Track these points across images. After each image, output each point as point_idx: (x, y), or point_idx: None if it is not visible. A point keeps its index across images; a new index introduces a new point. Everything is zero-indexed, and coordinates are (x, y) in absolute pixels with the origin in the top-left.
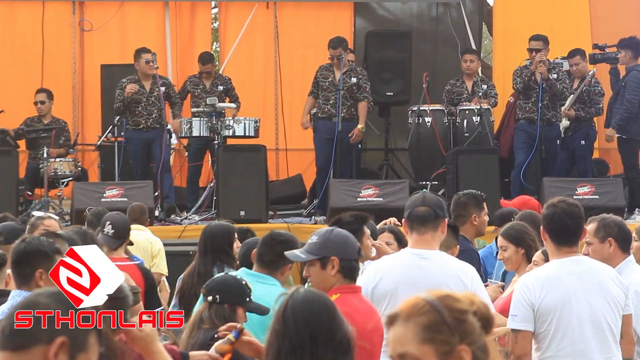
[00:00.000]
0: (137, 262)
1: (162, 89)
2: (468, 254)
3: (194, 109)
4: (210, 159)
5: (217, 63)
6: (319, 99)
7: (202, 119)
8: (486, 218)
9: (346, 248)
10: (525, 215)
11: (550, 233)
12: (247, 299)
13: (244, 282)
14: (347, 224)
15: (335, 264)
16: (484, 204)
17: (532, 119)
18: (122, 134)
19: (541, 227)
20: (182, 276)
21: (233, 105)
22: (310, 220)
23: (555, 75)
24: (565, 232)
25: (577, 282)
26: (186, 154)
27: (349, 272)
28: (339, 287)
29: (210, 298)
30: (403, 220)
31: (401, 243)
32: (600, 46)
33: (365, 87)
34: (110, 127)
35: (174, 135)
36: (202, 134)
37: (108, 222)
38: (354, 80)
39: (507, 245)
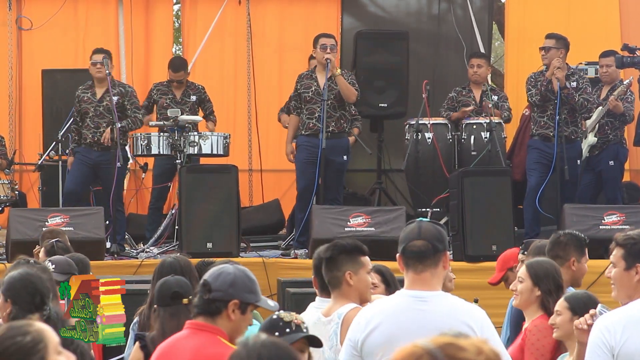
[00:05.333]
0: None
1: (115, 98)
2: None
3: (152, 123)
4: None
5: (189, 71)
6: (302, 114)
7: (161, 134)
8: (586, 267)
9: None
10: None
11: None
12: None
13: None
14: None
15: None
16: (586, 249)
17: (547, 136)
18: (67, 151)
19: (623, 262)
20: (138, 315)
21: (199, 118)
22: (289, 254)
23: (574, 84)
24: None
25: None
26: (142, 175)
27: None
28: None
29: None
30: (397, 255)
31: (389, 286)
32: (631, 48)
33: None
34: (53, 143)
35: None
36: (161, 152)
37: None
38: None
39: (525, 278)
